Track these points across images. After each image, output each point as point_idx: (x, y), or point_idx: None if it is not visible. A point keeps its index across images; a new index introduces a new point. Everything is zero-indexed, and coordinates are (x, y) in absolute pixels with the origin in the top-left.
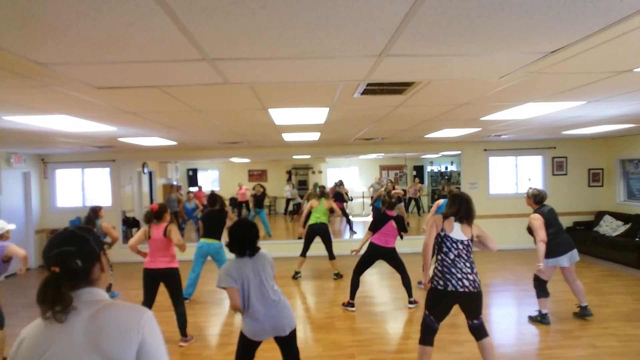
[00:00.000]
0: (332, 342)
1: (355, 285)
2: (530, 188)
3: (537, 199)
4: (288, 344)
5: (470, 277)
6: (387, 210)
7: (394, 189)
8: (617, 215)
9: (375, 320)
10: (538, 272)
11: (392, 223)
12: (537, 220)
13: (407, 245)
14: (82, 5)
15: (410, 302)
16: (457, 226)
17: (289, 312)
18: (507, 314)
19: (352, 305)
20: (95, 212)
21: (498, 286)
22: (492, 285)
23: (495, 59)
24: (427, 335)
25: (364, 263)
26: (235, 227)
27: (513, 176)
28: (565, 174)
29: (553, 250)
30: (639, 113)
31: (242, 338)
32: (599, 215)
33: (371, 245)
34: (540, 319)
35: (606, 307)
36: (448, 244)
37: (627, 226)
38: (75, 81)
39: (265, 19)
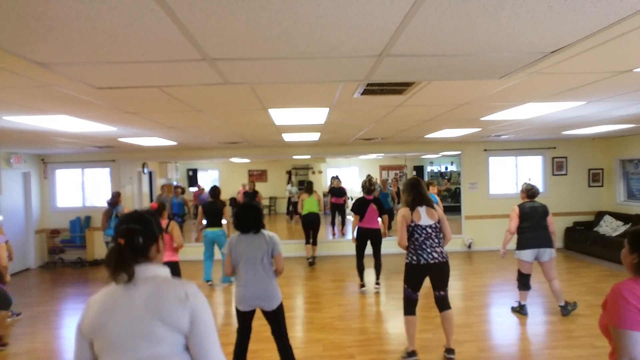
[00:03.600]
0: (332, 342)
1: (360, 268)
2: (525, 183)
3: (528, 194)
4: (274, 318)
5: (438, 249)
6: (365, 195)
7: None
8: (617, 216)
9: (375, 320)
10: (519, 266)
11: (373, 206)
12: (512, 212)
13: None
14: (82, 5)
15: (377, 284)
16: (422, 213)
17: (273, 290)
18: (507, 314)
19: (363, 286)
20: (115, 197)
21: (498, 286)
22: (492, 285)
23: (495, 59)
24: (409, 307)
25: (360, 246)
26: (239, 209)
27: (513, 176)
28: (565, 174)
29: (520, 243)
30: (639, 113)
31: (236, 312)
32: (599, 215)
33: (359, 230)
34: (519, 310)
35: None
36: (419, 231)
37: (627, 226)
38: (75, 81)
39: (265, 19)
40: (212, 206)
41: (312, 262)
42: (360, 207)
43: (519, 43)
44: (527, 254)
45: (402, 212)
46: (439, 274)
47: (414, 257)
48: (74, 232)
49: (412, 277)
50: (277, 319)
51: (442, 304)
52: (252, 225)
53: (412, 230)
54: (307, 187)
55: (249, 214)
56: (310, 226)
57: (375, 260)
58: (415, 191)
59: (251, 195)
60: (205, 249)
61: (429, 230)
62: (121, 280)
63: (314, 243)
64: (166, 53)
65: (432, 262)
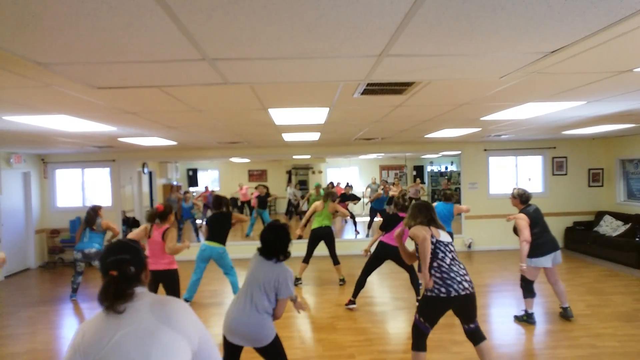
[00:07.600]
0: (332, 342)
1: (360, 284)
2: (514, 188)
3: (522, 199)
4: (266, 353)
5: (467, 277)
6: (399, 212)
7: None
8: (617, 215)
9: (375, 320)
10: (522, 272)
11: (402, 223)
12: (522, 220)
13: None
14: (82, 5)
15: (418, 301)
16: (440, 231)
17: (263, 330)
18: (507, 314)
19: (354, 303)
20: (95, 211)
21: (498, 286)
22: (492, 285)
23: (495, 59)
24: (420, 340)
25: (373, 262)
26: (267, 230)
27: (513, 176)
28: (565, 174)
29: (536, 250)
30: (638, 112)
31: (223, 339)
32: (599, 215)
33: (380, 244)
34: (526, 319)
35: (606, 307)
36: (442, 248)
37: (627, 226)
38: (75, 81)
39: (265, 19)
40: (216, 218)
41: (342, 281)
42: (389, 223)
43: (519, 43)
44: (547, 260)
45: (419, 229)
46: (469, 306)
47: (442, 289)
48: (74, 232)
49: (435, 312)
50: (269, 354)
51: (475, 336)
52: (279, 252)
53: (435, 247)
54: (327, 194)
55: (278, 238)
56: (318, 242)
57: (411, 276)
58: (428, 213)
59: (264, 198)
60: (197, 265)
61: (451, 247)
62: (120, 309)
63: (336, 262)
64: (166, 53)
65: (462, 293)
